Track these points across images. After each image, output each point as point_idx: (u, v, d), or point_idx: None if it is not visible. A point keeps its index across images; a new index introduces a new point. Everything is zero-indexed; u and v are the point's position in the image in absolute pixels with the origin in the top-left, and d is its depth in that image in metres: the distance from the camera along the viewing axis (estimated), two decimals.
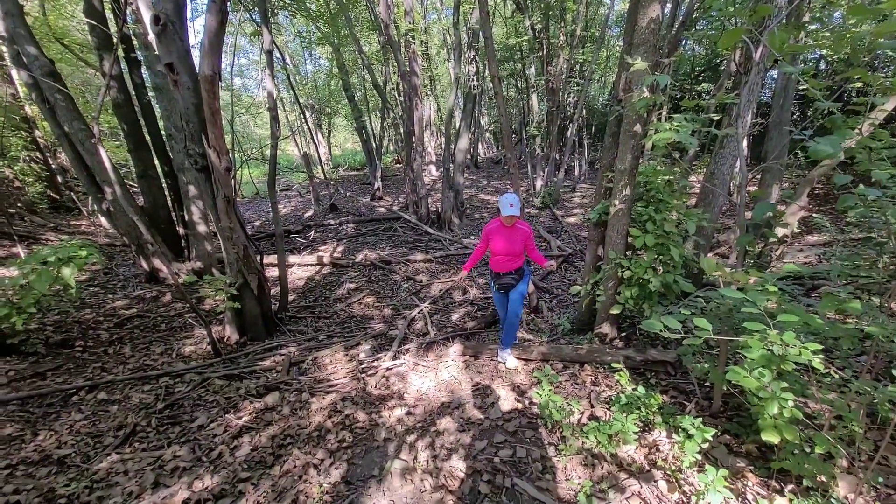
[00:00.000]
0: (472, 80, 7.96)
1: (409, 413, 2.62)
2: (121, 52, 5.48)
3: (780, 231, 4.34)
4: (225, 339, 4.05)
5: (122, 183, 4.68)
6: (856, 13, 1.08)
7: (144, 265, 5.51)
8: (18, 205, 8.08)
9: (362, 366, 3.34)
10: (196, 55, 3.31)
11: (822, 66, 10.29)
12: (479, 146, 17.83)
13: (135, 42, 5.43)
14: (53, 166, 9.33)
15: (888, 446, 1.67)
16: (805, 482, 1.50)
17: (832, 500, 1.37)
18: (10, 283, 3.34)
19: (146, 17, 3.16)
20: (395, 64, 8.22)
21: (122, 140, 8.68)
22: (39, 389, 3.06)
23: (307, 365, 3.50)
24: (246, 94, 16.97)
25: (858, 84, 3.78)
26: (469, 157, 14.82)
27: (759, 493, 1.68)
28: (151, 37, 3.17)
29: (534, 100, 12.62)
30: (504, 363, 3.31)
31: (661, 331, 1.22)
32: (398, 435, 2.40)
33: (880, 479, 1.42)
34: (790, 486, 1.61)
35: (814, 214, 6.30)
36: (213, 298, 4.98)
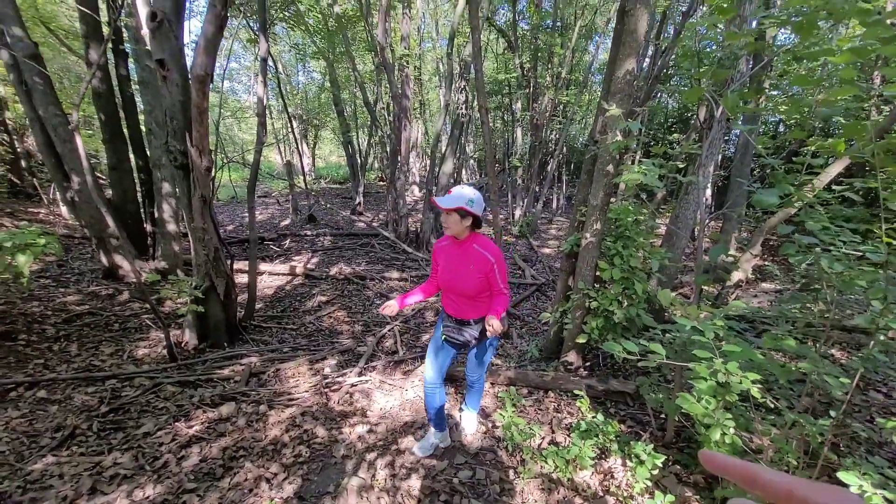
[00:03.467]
0: (461, 108, 8.24)
1: (370, 431, 2.58)
2: (110, 45, 5.42)
3: (735, 276, 4.63)
4: (183, 344, 3.88)
5: (93, 173, 4.52)
6: (799, 83, 1.25)
7: (104, 260, 5.25)
8: None
9: (326, 380, 3.26)
10: (188, 54, 3.33)
11: (781, 128, 11.28)
12: (463, 172, 18.19)
13: (124, 34, 5.38)
14: (19, 150, 8.91)
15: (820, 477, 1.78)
16: None
17: None
18: None
19: (142, 12, 3.17)
20: (388, 85, 8.42)
21: (94, 130, 8.42)
22: None
23: (268, 376, 3.39)
24: (233, 98, 16.85)
25: (812, 147, 4.18)
26: (452, 180, 15.10)
27: None
28: (145, 31, 3.17)
29: (518, 133, 13.11)
30: (462, 426, 2.54)
31: (619, 352, 1.30)
32: (357, 452, 2.34)
33: None
34: None
35: (766, 263, 6.74)
36: (174, 300, 4.78)
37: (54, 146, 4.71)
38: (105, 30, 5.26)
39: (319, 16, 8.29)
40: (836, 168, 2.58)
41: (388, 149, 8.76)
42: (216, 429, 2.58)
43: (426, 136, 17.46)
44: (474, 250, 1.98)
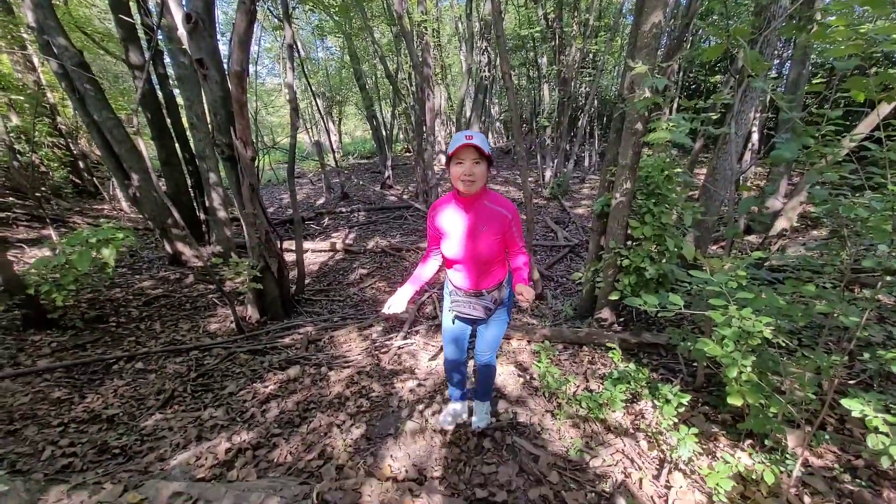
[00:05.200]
0: (484, 70, 8.06)
1: (419, 385, 2.87)
2: (144, 45, 5.71)
3: (779, 224, 4.48)
4: (246, 318, 4.33)
5: (152, 170, 4.95)
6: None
7: (168, 248, 5.80)
8: (44, 189, 8.42)
9: (376, 344, 3.59)
10: (222, 50, 3.52)
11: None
12: (490, 135, 17.84)
13: (158, 34, 5.63)
14: (75, 152, 9.66)
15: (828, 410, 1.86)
16: (767, 442, 1.72)
17: (787, 455, 1.58)
18: (53, 263, 3.63)
19: (177, 15, 3.36)
20: (408, 54, 8.33)
21: (139, 128, 8.99)
22: (82, 359, 3.37)
23: (324, 343, 3.76)
24: (258, 82, 17.12)
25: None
26: None
27: (727, 452, 1.91)
28: (181, 32, 3.36)
29: (545, 90, 12.60)
30: (473, 418, 2.25)
31: (641, 305, 1.42)
32: (410, 403, 2.65)
33: (826, 437, 1.63)
34: (748, 441, 1.83)
35: (813, 210, 6.38)
36: (232, 280, 5.26)
37: (112, 147, 5.14)
38: (140, 32, 5.55)
39: None
40: (862, 127, 2.43)
41: (412, 119, 8.78)
42: (287, 388, 2.96)
43: (450, 102, 17.13)
44: (488, 208, 1.66)
